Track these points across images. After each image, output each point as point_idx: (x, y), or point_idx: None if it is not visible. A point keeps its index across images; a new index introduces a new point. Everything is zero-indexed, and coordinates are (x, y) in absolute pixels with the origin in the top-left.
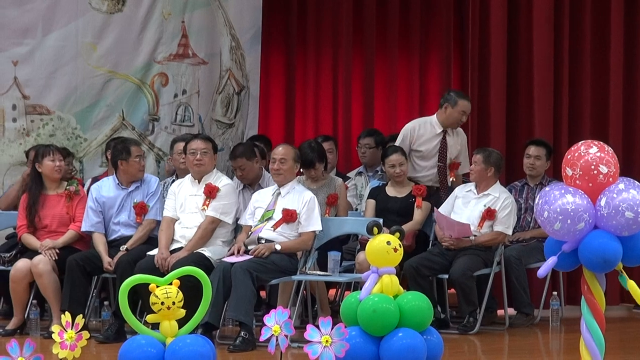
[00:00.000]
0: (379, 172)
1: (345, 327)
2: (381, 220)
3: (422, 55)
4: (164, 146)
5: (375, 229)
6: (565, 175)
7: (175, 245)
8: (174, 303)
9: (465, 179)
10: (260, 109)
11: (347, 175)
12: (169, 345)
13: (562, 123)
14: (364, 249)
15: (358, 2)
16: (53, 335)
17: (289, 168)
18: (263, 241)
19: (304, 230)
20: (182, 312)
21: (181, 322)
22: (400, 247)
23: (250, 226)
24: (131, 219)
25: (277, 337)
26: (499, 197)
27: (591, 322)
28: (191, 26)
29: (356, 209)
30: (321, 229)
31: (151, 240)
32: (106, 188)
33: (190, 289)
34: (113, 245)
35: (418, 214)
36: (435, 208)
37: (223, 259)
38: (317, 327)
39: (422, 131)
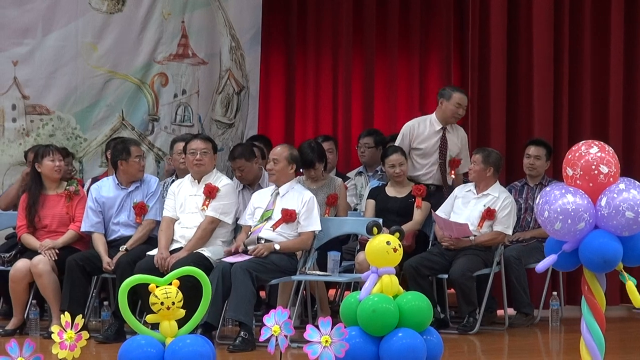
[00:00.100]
0: (379, 172)
1: (345, 327)
2: (381, 220)
3: (422, 55)
4: (164, 146)
5: (375, 229)
6: (565, 175)
7: (175, 246)
8: (173, 303)
9: (466, 179)
10: (260, 109)
11: (347, 175)
12: (168, 346)
13: (562, 123)
14: (364, 249)
15: (358, 2)
16: (52, 336)
17: (281, 168)
18: (262, 241)
19: (303, 230)
20: (182, 312)
21: (181, 322)
22: (400, 247)
23: (250, 226)
24: (131, 219)
25: (276, 337)
26: (499, 197)
27: (591, 322)
28: (191, 26)
29: (356, 209)
30: (320, 229)
31: (151, 241)
32: (106, 188)
33: (190, 289)
34: (113, 246)
35: (418, 214)
36: (432, 211)
37: (222, 259)
38: (317, 327)
39: (421, 129)
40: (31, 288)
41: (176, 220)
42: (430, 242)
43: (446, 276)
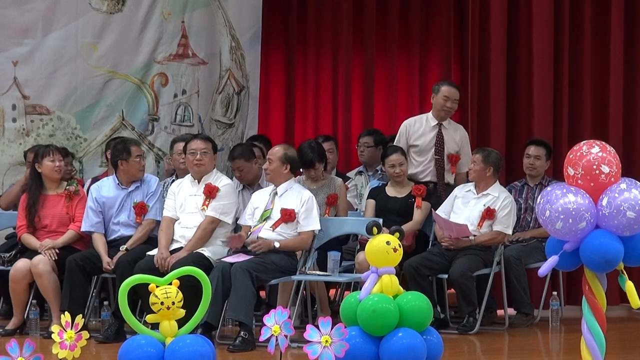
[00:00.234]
0: (379, 172)
1: (345, 327)
2: (381, 220)
3: (422, 55)
4: (164, 146)
5: (375, 229)
6: (567, 174)
7: (175, 245)
8: (173, 303)
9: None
10: (260, 109)
11: (347, 175)
12: (168, 345)
13: (562, 123)
14: (364, 249)
15: (358, 2)
16: (53, 335)
17: (275, 168)
18: None
19: (302, 229)
20: (182, 312)
21: (181, 322)
22: (400, 247)
23: (250, 226)
24: (131, 219)
25: (276, 337)
26: (499, 196)
27: (592, 322)
28: (191, 26)
29: (356, 209)
30: (320, 228)
31: (151, 240)
32: (106, 188)
33: (190, 289)
34: (113, 245)
35: (418, 214)
36: (433, 210)
37: (222, 259)
38: (317, 327)
39: (417, 126)
40: (31, 288)
41: (176, 220)
42: (430, 242)
43: (446, 276)
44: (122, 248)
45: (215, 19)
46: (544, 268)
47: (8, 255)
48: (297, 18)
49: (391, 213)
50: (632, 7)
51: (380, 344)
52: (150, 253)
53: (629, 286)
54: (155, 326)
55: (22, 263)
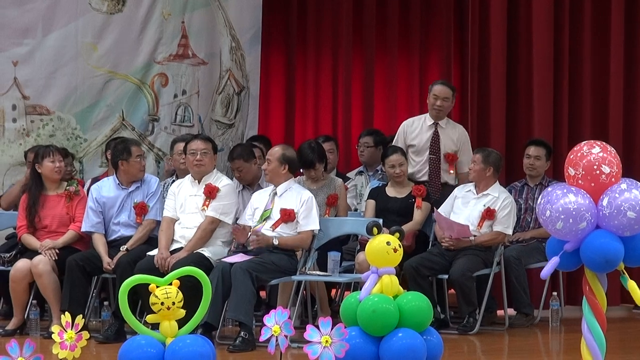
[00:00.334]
0: (379, 172)
1: (345, 327)
2: (381, 221)
3: (422, 55)
4: (164, 146)
5: (375, 229)
6: (567, 175)
7: (175, 246)
8: (173, 303)
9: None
10: (260, 109)
11: (347, 175)
12: (168, 346)
13: (562, 123)
14: (364, 249)
15: (358, 2)
16: (53, 336)
17: (273, 168)
18: None
19: (301, 229)
20: (182, 312)
21: (181, 322)
22: (400, 247)
23: (250, 226)
24: (131, 219)
25: (276, 337)
26: (499, 197)
27: (592, 323)
28: (191, 26)
29: (356, 209)
30: (318, 228)
31: (151, 241)
32: (106, 188)
33: (190, 289)
34: (113, 246)
35: (418, 214)
36: (435, 208)
37: (222, 259)
38: (317, 327)
39: (414, 126)
40: (31, 288)
41: (176, 221)
42: (430, 242)
43: (446, 276)
44: (123, 248)
45: (215, 19)
46: (546, 270)
47: (8, 255)
48: (297, 18)
49: (391, 213)
50: (632, 7)
51: (380, 344)
52: (150, 253)
53: (632, 285)
54: (155, 326)
55: (22, 263)
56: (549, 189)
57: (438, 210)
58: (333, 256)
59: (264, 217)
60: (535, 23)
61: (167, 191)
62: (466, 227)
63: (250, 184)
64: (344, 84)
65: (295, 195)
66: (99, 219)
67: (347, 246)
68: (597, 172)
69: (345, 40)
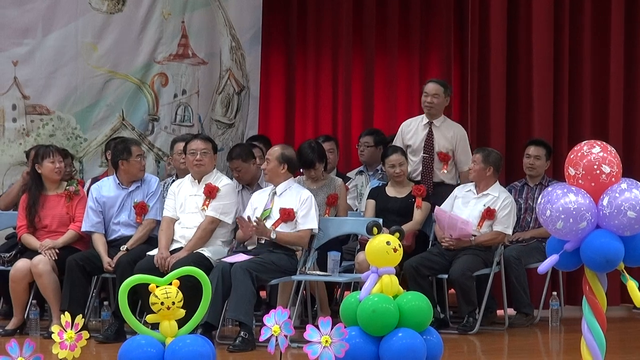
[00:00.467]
0: (380, 172)
1: (345, 327)
2: (381, 221)
3: (422, 55)
4: (164, 146)
5: (375, 229)
6: (567, 174)
7: (175, 246)
8: (173, 303)
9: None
10: (260, 109)
11: (347, 175)
12: (168, 345)
13: (562, 123)
14: (364, 249)
15: (358, 2)
16: (53, 335)
17: (272, 168)
18: (262, 241)
19: (300, 227)
20: (182, 312)
21: (181, 322)
22: (400, 247)
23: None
24: (131, 219)
25: (276, 337)
26: (499, 196)
27: (592, 322)
28: (191, 26)
29: (356, 209)
30: (317, 227)
31: (151, 240)
32: (106, 188)
33: (190, 289)
34: (113, 245)
35: (418, 214)
36: (437, 206)
37: (222, 259)
38: (317, 327)
39: (412, 126)
40: (31, 288)
41: (176, 220)
42: (430, 242)
43: (446, 276)
44: (123, 248)
45: (215, 19)
46: (544, 266)
47: (8, 255)
48: (297, 18)
49: (391, 213)
50: (632, 7)
51: (380, 344)
52: (150, 253)
53: (631, 285)
54: (155, 326)
55: (22, 263)
56: (549, 188)
57: (440, 207)
58: (333, 256)
59: (264, 217)
60: (535, 23)
61: (167, 191)
62: (469, 223)
63: (249, 184)
64: (344, 84)
65: (295, 195)
66: (99, 219)
67: (347, 246)
68: (598, 171)
69: (345, 40)
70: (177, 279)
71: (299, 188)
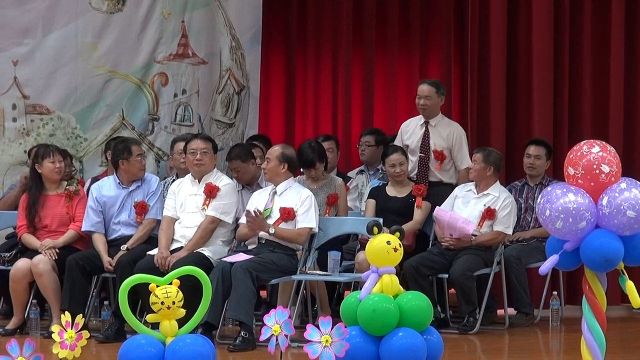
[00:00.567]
0: (380, 172)
1: (345, 326)
2: (381, 220)
3: (422, 55)
4: (164, 146)
5: (375, 229)
6: (567, 174)
7: (175, 245)
8: (174, 303)
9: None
10: (260, 109)
11: (348, 175)
12: (168, 345)
13: (562, 123)
14: (364, 249)
15: (358, 2)
16: (53, 335)
17: (272, 167)
18: (263, 241)
19: (299, 225)
20: (182, 312)
21: (181, 322)
22: (400, 246)
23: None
24: (131, 219)
25: (277, 336)
26: (499, 196)
27: (592, 322)
28: (191, 26)
29: (359, 210)
30: (316, 226)
31: (151, 240)
32: (107, 187)
33: (190, 289)
34: (113, 245)
35: (418, 214)
36: (437, 207)
37: (223, 259)
38: (317, 326)
39: (410, 125)
40: (31, 288)
41: (176, 220)
42: (431, 241)
43: (446, 276)
44: (123, 247)
45: (215, 18)
46: (545, 266)
47: (8, 255)
48: (297, 18)
49: (391, 213)
50: (632, 7)
51: (380, 343)
52: (150, 253)
53: (629, 286)
54: (155, 326)
55: (22, 263)
56: (549, 188)
57: (440, 207)
58: (333, 255)
59: (264, 216)
60: (535, 23)
61: (167, 190)
62: (470, 224)
63: (248, 184)
64: (344, 84)
65: (295, 194)
66: (99, 219)
67: (347, 245)
68: (597, 171)
69: (345, 40)
70: (178, 278)
71: (299, 187)
